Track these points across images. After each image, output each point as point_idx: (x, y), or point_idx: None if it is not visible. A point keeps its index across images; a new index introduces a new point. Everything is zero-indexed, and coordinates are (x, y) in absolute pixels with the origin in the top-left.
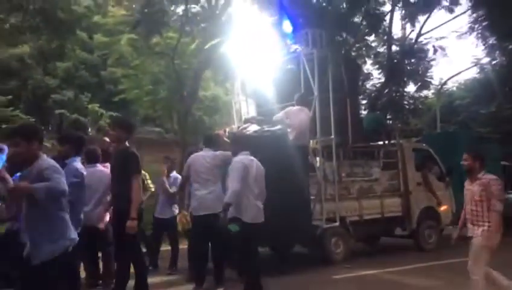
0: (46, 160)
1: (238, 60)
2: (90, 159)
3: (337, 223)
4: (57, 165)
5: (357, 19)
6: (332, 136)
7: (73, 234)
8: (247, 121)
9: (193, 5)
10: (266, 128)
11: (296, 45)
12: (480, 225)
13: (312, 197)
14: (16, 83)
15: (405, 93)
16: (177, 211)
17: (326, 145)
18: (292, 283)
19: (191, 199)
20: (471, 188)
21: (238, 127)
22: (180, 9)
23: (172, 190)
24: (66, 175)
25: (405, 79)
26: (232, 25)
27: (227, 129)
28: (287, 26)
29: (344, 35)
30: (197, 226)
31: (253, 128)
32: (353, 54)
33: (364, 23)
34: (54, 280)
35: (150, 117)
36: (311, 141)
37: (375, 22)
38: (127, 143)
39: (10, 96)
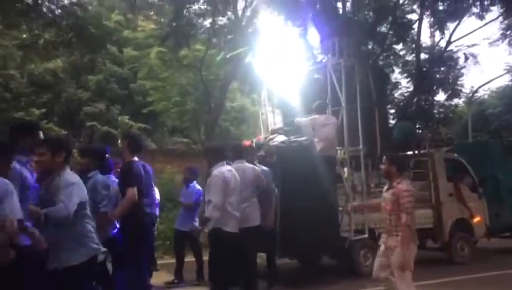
0: (66, 176)
1: (264, 71)
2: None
3: (366, 235)
4: (76, 183)
5: (384, 28)
6: (361, 146)
7: (96, 244)
8: (274, 131)
9: (220, 18)
10: (293, 139)
11: (323, 55)
12: (393, 235)
13: (340, 209)
14: (49, 96)
15: (435, 102)
16: (197, 223)
17: (354, 155)
18: None
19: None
20: (385, 196)
21: (265, 138)
22: (207, 22)
23: (187, 202)
24: (95, 189)
25: (435, 87)
26: (258, 36)
27: (255, 140)
28: (314, 36)
29: (371, 44)
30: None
31: (280, 138)
32: (381, 63)
33: (391, 32)
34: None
35: (178, 128)
36: (338, 152)
37: (403, 31)
38: (132, 157)
39: (44, 110)
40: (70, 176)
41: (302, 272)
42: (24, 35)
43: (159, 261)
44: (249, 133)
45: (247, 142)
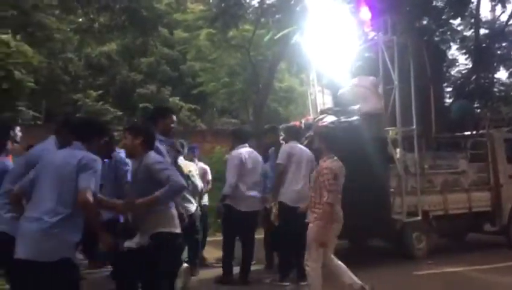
0: (152, 157)
1: (313, 50)
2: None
3: (419, 217)
4: (161, 160)
5: (440, 2)
6: (414, 126)
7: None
8: (323, 112)
9: None
10: (343, 119)
11: (374, 32)
12: (314, 211)
13: (392, 190)
14: (105, 79)
15: (495, 80)
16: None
17: (407, 135)
18: (371, 277)
19: (285, 189)
20: (313, 173)
21: (314, 118)
22: (255, 2)
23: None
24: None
25: (495, 64)
26: (307, 15)
27: (303, 120)
28: (365, 12)
29: (426, 19)
30: (291, 216)
31: (329, 119)
32: (436, 39)
33: (448, 6)
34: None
35: (227, 109)
36: (390, 132)
37: (461, 5)
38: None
39: (100, 91)
40: (154, 156)
41: (351, 253)
42: (80, 20)
43: (211, 238)
44: (297, 113)
45: (295, 123)
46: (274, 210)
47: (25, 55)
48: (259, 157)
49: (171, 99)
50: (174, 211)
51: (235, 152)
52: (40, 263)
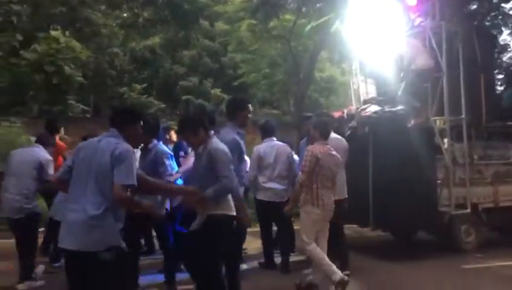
0: (215, 144)
1: (355, 39)
2: None
3: (467, 210)
4: (225, 150)
5: None
6: (463, 116)
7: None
8: (366, 101)
9: None
10: (387, 109)
11: (421, 18)
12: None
13: (439, 182)
14: (149, 72)
15: None
16: None
17: (455, 125)
18: (417, 271)
19: None
20: None
21: (357, 108)
22: None
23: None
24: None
25: None
26: (349, 2)
27: (346, 110)
28: None
29: (476, 4)
30: None
31: (372, 109)
32: (487, 24)
33: None
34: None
35: (268, 100)
36: (437, 121)
37: None
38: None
39: (145, 85)
40: (218, 145)
41: (397, 247)
42: (125, 15)
43: (251, 229)
44: (338, 103)
45: (337, 113)
46: None
47: (73, 51)
48: (286, 151)
49: (212, 91)
50: (229, 195)
51: (255, 146)
52: (87, 253)
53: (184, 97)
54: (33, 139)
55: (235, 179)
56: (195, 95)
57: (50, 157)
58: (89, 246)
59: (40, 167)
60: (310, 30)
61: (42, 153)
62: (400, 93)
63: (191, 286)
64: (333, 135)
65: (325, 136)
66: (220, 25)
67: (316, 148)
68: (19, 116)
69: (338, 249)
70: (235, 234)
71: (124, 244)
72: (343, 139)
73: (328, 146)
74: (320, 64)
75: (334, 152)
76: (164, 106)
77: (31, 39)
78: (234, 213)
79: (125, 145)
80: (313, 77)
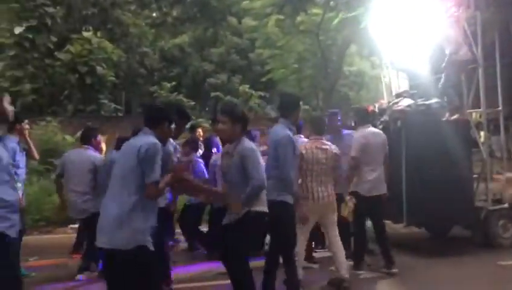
0: (246, 144)
1: (386, 31)
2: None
3: (505, 205)
4: (256, 154)
5: None
6: (500, 108)
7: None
8: (398, 95)
9: None
10: (420, 103)
11: (455, 8)
12: None
13: (475, 176)
14: (178, 70)
15: None
16: None
17: (492, 118)
18: (453, 267)
19: (359, 180)
20: None
21: (389, 102)
22: None
23: None
24: None
25: None
26: None
27: (377, 104)
28: None
29: None
30: (367, 206)
31: (405, 102)
32: None
33: None
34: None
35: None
36: (473, 114)
37: None
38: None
39: (174, 83)
40: (249, 146)
41: (432, 242)
42: (154, 14)
43: None
44: (368, 98)
45: (368, 107)
46: (350, 204)
47: (105, 51)
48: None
49: (240, 87)
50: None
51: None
52: (116, 250)
53: (213, 94)
54: (68, 137)
55: (263, 178)
56: (223, 92)
57: (102, 157)
58: (117, 244)
59: (95, 169)
60: (339, 24)
61: (95, 154)
62: (440, 85)
63: (191, 285)
64: (371, 129)
65: (318, 131)
66: (248, 21)
67: (305, 144)
68: (55, 115)
69: (380, 246)
70: (288, 224)
71: (151, 245)
72: (382, 133)
73: (322, 140)
74: (349, 58)
75: (327, 146)
76: (194, 103)
77: (64, 40)
78: (266, 209)
79: (151, 140)
80: (342, 71)
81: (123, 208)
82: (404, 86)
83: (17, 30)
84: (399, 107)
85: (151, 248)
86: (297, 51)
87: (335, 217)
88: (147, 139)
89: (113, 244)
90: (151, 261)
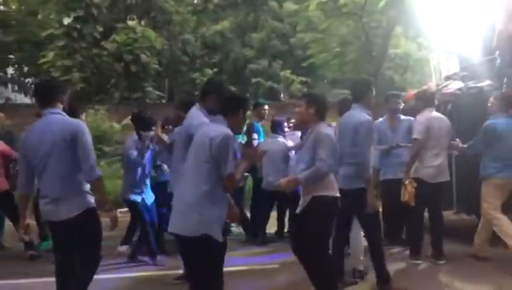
0: (322, 130)
1: (434, 11)
2: None
3: None
4: (329, 135)
5: None
6: None
7: None
8: (448, 78)
9: None
10: (472, 85)
11: None
12: None
13: None
14: (219, 57)
15: None
16: None
17: None
18: (503, 255)
19: (422, 164)
20: None
21: (438, 85)
22: None
23: None
24: None
25: None
26: None
27: (426, 87)
28: None
29: None
30: (430, 193)
31: (456, 85)
32: None
33: None
34: None
35: (338, 80)
36: None
37: None
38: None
39: (215, 69)
40: (325, 131)
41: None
42: (195, 1)
43: None
44: (414, 81)
45: (410, 93)
46: (409, 188)
47: (149, 40)
48: None
49: (282, 73)
50: (332, 177)
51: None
52: (185, 237)
53: (254, 80)
54: (115, 125)
55: (330, 163)
56: (264, 77)
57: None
58: (185, 230)
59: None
60: (384, 5)
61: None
62: (496, 66)
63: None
64: (435, 113)
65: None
66: (289, 5)
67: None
68: (103, 103)
69: (432, 235)
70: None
71: (219, 236)
72: (445, 118)
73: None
74: (395, 40)
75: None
76: (235, 89)
77: (110, 30)
78: (337, 194)
79: (223, 130)
80: (387, 54)
81: (194, 197)
82: (454, 68)
83: (66, 21)
84: (449, 90)
85: (218, 239)
86: (339, 34)
87: None
88: (218, 129)
89: (181, 231)
90: (215, 251)
